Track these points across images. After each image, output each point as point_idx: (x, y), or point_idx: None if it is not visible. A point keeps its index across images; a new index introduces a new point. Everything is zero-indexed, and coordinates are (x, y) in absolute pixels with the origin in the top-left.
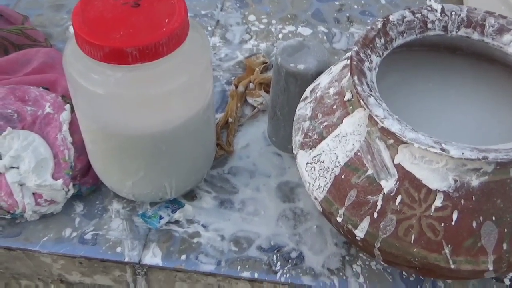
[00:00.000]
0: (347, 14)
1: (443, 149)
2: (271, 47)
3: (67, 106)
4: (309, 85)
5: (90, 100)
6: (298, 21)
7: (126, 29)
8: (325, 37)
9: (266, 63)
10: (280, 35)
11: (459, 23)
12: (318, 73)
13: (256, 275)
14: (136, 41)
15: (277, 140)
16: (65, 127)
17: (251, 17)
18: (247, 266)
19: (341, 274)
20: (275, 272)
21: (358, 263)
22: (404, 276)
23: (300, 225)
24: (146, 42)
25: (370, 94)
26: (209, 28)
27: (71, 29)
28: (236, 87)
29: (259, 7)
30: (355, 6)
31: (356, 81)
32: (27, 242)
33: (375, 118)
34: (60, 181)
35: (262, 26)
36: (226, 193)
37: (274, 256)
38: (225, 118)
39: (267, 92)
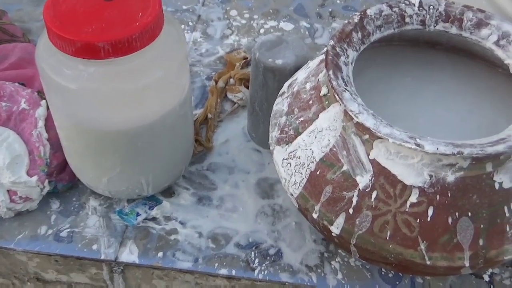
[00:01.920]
0: (330, 9)
1: (417, 144)
2: (253, 42)
3: (43, 102)
4: (287, 80)
5: (63, 95)
6: (280, 16)
7: (98, 23)
8: (307, 32)
9: (247, 58)
10: (262, 30)
11: (437, 17)
12: (297, 68)
13: (233, 272)
14: (108, 35)
15: (257, 136)
16: (40, 123)
17: (233, 12)
18: (224, 263)
19: (319, 271)
20: (253, 269)
21: (336, 259)
22: (383, 273)
23: (279, 221)
24: (119, 36)
25: (345, 89)
26: (190, 23)
27: None
28: (216, 82)
29: (241, 2)
30: (338, 1)
31: (331, 76)
32: (1, 239)
33: (350, 113)
34: (35, 178)
35: (243, 21)
36: (205, 189)
37: (252, 253)
38: (204, 113)
39: (248, 87)
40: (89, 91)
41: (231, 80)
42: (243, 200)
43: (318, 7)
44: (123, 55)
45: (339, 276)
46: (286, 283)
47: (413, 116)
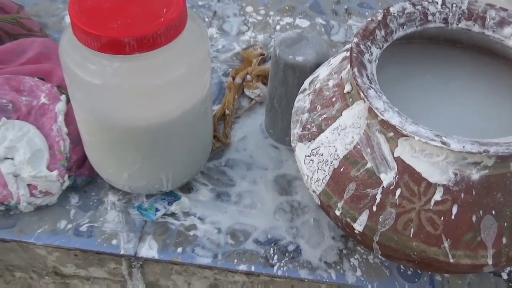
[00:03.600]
0: (345, 6)
1: (443, 142)
2: (269, 38)
3: (63, 97)
4: (307, 77)
5: (86, 90)
6: (296, 12)
7: (123, 19)
8: (323, 29)
9: (264, 54)
10: (278, 27)
11: (460, 16)
12: (317, 65)
13: (253, 268)
14: (133, 31)
15: (275, 132)
16: (60, 118)
17: (249, 8)
18: (243, 259)
19: (338, 267)
20: (272, 265)
21: (355, 256)
22: (401, 270)
23: (297, 218)
24: (144, 32)
25: (370, 86)
26: (206, 19)
27: (66, 19)
28: (234, 78)
29: None
30: None
31: (356, 73)
32: (21, 234)
33: (375, 110)
34: (55, 172)
35: (259, 18)
36: (223, 185)
37: (271, 249)
38: (222, 110)
39: (265, 84)
40: (113, 87)
41: (248, 77)
42: (261, 197)
43: (334, 4)
44: (148, 51)
45: (358, 273)
46: (305, 280)
47: (432, 114)
